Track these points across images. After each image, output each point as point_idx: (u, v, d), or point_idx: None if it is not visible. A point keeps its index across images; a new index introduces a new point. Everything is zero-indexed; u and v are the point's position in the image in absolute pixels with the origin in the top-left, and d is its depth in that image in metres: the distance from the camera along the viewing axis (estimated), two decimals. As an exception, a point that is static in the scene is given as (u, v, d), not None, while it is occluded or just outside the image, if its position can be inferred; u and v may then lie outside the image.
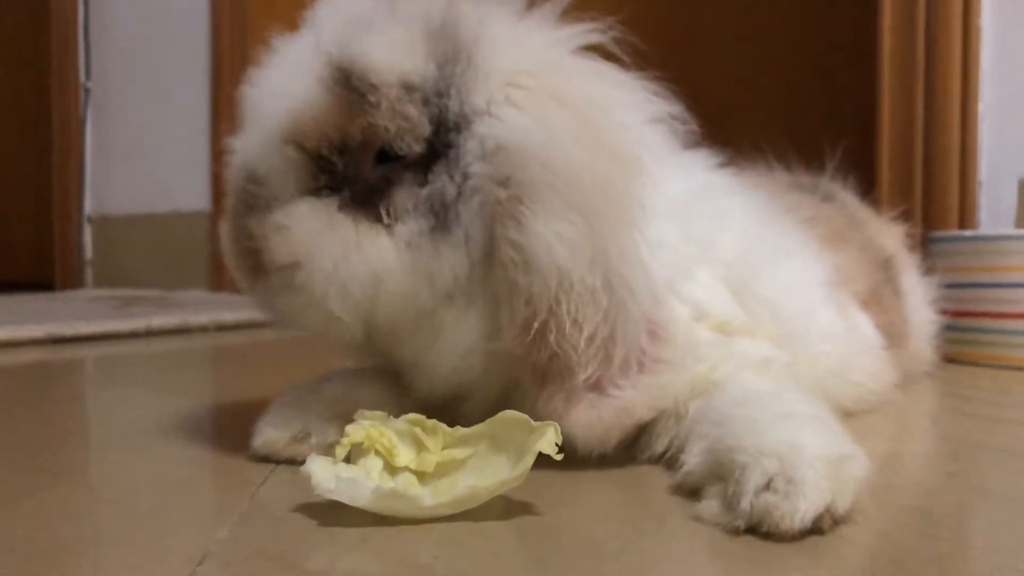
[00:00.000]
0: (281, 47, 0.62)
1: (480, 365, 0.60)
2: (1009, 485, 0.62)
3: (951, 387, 1.07)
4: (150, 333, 1.64)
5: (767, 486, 0.48)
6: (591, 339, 0.55)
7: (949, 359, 1.23)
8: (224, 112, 2.50)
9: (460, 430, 0.55)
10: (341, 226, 0.57)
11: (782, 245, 0.78)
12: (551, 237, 0.54)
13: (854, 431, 0.56)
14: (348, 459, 0.54)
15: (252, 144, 0.59)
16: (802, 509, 0.46)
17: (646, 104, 0.67)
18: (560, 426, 0.52)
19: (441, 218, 0.57)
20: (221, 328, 1.77)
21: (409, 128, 0.57)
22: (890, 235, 1.09)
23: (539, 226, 0.54)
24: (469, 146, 0.57)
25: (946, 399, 1.02)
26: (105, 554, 0.47)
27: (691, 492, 0.54)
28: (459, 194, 0.57)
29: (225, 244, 0.61)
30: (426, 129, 0.57)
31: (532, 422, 0.53)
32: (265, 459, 0.63)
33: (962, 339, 1.24)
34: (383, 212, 0.57)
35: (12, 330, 1.45)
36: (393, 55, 0.57)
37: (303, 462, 0.52)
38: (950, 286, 1.26)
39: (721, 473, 0.52)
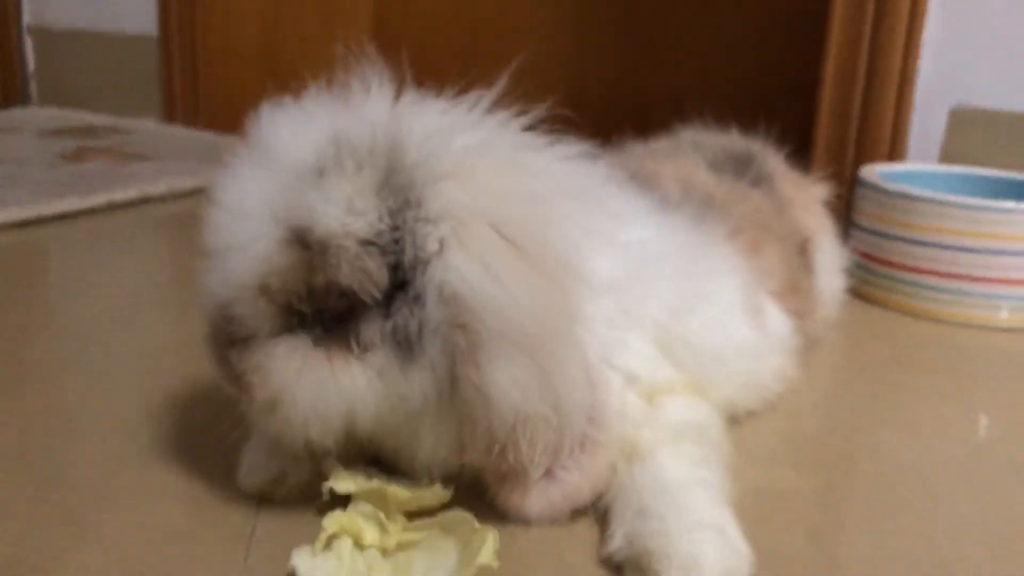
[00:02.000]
0: (239, 174, 0.67)
1: (453, 463, 0.70)
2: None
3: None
4: (111, 207, 1.69)
5: None
6: (544, 450, 0.66)
7: (859, 295, 1.37)
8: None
9: (415, 522, 0.67)
10: (316, 363, 0.64)
11: (706, 286, 0.87)
12: (507, 382, 0.63)
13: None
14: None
15: (224, 289, 0.65)
16: None
17: (573, 179, 0.75)
18: (517, 514, 0.67)
19: (406, 349, 0.65)
20: (179, 196, 1.82)
21: (369, 279, 0.63)
22: (813, 210, 1.18)
23: (495, 373, 0.63)
24: (428, 288, 0.64)
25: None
26: None
27: (615, 569, 0.68)
28: (421, 330, 0.64)
29: (211, 361, 0.69)
30: (385, 278, 0.64)
31: (475, 522, 0.65)
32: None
33: (873, 282, 1.37)
34: (352, 343, 0.65)
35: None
36: (347, 217, 0.63)
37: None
38: (867, 230, 1.38)
39: (640, 569, 0.65)
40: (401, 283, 0.65)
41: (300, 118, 0.68)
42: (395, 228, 0.64)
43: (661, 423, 0.76)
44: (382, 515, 0.67)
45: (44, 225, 1.59)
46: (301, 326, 0.65)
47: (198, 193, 1.85)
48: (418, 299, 0.64)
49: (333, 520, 0.66)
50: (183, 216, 1.73)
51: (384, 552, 0.66)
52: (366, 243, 0.63)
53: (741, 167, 1.11)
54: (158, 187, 1.76)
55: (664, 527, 0.66)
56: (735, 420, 0.92)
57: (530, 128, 0.74)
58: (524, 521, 0.70)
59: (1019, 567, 0.71)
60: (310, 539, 0.66)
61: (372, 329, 0.65)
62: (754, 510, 0.75)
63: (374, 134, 0.66)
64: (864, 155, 1.55)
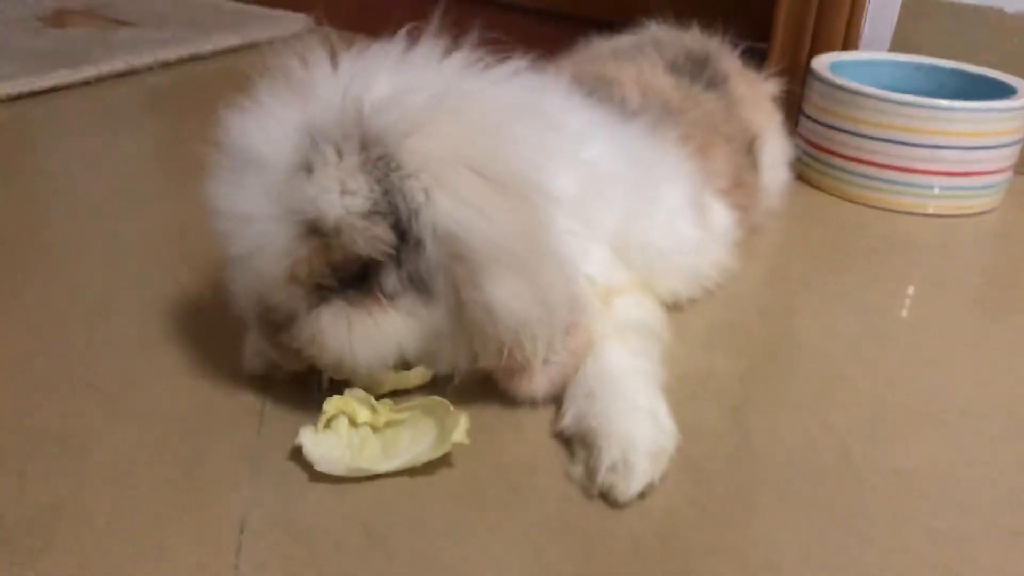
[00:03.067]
0: (229, 183, 0.76)
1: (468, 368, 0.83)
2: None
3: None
4: (99, 79, 1.74)
5: (612, 468, 0.75)
6: (543, 343, 0.79)
7: (804, 180, 1.49)
8: None
9: (400, 405, 0.81)
10: (359, 319, 0.76)
11: (656, 192, 0.99)
12: (504, 296, 0.75)
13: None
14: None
15: (257, 286, 0.76)
16: (633, 488, 0.74)
17: (526, 101, 0.85)
18: (526, 397, 0.83)
19: (423, 288, 0.77)
20: (165, 65, 1.86)
21: (380, 242, 0.74)
22: (762, 107, 1.27)
23: (494, 290, 0.75)
24: (424, 233, 0.74)
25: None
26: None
27: (566, 441, 0.82)
28: (428, 270, 0.76)
29: (265, 350, 0.83)
30: (392, 236, 0.74)
31: (450, 406, 0.79)
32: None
33: (817, 169, 1.48)
34: (379, 295, 0.76)
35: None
36: (345, 199, 0.72)
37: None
38: (814, 120, 1.48)
39: (585, 443, 0.79)
40: (403, 235, 0.75)
41: (267, 119, 0.76)
42: (386, 192, 0.74)
43: (611, 319, 0.89)
44: (372, 399, 0.81)
45: (35, 99, 1.65)
46: (332, 295, 0.77)
47: (183, 64, 1.90)
48: (419, 244, 0.75)
49: (332, 403, 0.79)
50: (171, 88, 1.79)
51: (374, 429, 0.80)
52: (369, 214, 0.73)
53: (697, 68, 1.20)
54: (144, 58, 1.80)
55: (605, 408, 0.80)
56: (678, 308, 1.06)
57: (472, 57, 0.83)
58: (532, 402, 0.85)
59: (894, 434, 0.86)
60: (312, 417, 0.80)
61: (391, 279, 0.76)
62: (684, 390, 0.90)
63: (340, 119, 0.74)
64: (820, 44, 1.62)
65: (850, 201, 1.44)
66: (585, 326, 0.86)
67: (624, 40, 1.30)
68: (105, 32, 1.97)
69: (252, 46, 2.02)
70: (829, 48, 1.60)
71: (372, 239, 0.73)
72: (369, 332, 0.77)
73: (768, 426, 0.87)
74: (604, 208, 0.91)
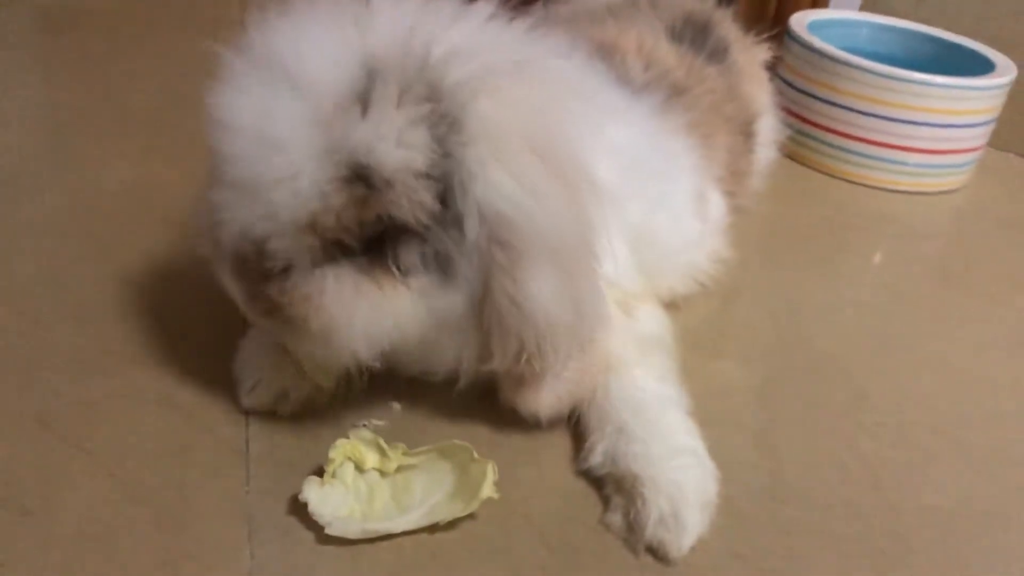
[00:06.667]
0: (254, 95, 0.62)
1: (469, 371, 0.72)
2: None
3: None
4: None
5: (661, 522, 0.68)
6: (564, 355, 0.70)
7: (788, 156, 1.42)
8: None
9: (414, 449, 0.72)
10: (368, 290, 0.64)
11: (669, 185, 0.90)
12: (540, 293, 0.65)
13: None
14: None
15: (260, 224, 0.62)
16: (685, 544, 0.68)
17: (573, 78, 0.77)
18: (530, 412, 0.73)
19: (445, 269, 0.66)
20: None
21: (422, 209, 0.62)
22: (760, 80, 1.19)
23: (532, 285, 0.65)
24: (468, 210, 0.63)
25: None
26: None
27: (594, 481, 0.74)
28: (460, 250, 0.65)
29: (236, 297, 0.68)
30: (434, 204, 0.63)
31: (474, 452, 0.70)
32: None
33: (799, 142, 1.42)
34: (393, 267, 0.65)
35: None
36: (404, 151, 0.60)
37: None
38: (794, 87, 1.41)
39: (622, 489, 0.71)
40: (443, 206, 0.64)
41: (316, 34, 0.63)
42: (445, 155, 0.62)
43: (633, 334, 0.81)
44: (381, 441, 0.71)
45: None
46: (343, 255, 0.64)
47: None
48: (458, 221, 0.64)
49: (339, 449, 0.69)
50: (78, 10, 1.56)
51: (383, 474, 0.70)
52: (421, 175, 0.62)
53: (699, 36, 1.11)
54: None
55: (645, 451, 0.73)
56: (675, 306, 0.98)
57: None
58: (536, 418, 0.75)
59: (922, 461, 0.82)
60: (303, 455, 0.71)
61: (411, 253, 0.65)
62: (704, 412, 0.82)
63: (403, 60, 0.62)
64: (789, 2, 1.55)
65: (826, 174, 1.39)
66: (602, 343, 0.76)
67: (616, -3, 1.19)
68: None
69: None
70: (799, 4, 1.53)
71: (417, 204, 0.62)
72: (375, 306, 0.65)
73: (798, 455, 0.82)
74: (631, 198, 0.82)
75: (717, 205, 1.03)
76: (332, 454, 0.69)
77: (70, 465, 0.70)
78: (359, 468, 0.70)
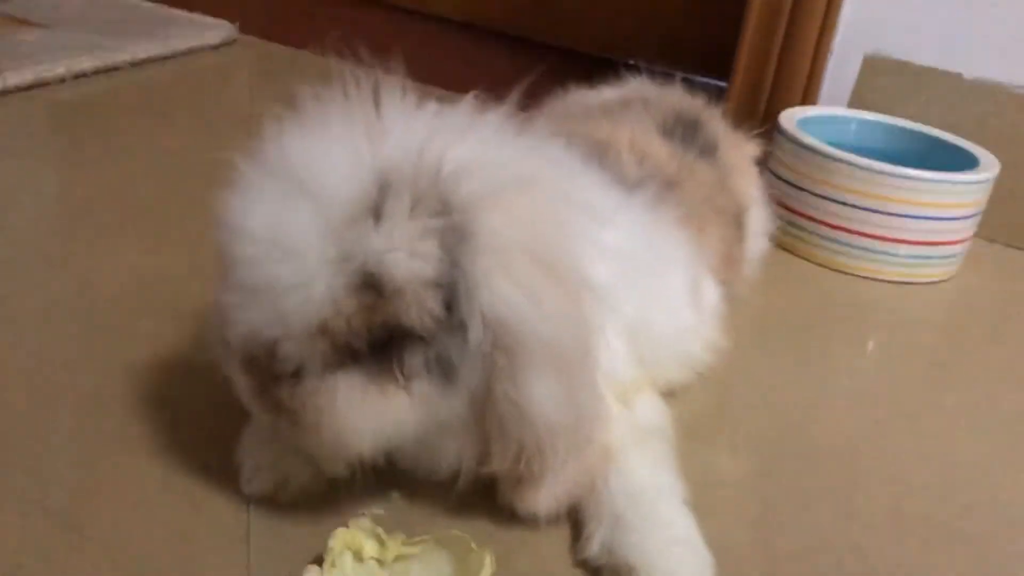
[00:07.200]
0: (267, 202, 0.64)
1: (468, 472, 0.74)
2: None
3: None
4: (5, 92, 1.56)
5: None
6: (563, 456, 0.71)
7: (780, 247, 1.45)
8: None
9: (413, 539, 0.72)
10: (373, 398, 0.66)
11: (664, 278, 0.93)
12: (541, 397, 0.67)
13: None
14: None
15: (273, 328, 0.64)
16: None
17: (569, 183, 0.80)
18: (528, 512, 0.74)
19: (447, 374, 0.67)
20: (79, 76, 1.69)
21: (429, 316, 0.65)
22: (749, 174, 1.23)
23: (534, 389, 0.67)
24: (472, 317, 0.65)
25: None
26: None
27: (593, 571, 0.75)
28: (462, 355, 0.67)
29: (242, 391, 0.70)
30: (441, 311, 0.65)
31: (471, 542, 0.71)
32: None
33: (791, 234, 1.45)
34: (397, 372, 0.66)
35: None
36: (416, 261, 0.63)
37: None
38: (784, 180, 1.45)
39: None
40: (447, 313, 0.66)
41: (332, 146, 0.66)
42: (452, 265, 0.65)
43: (632, 424, 0.82)
44: (380, 530, 0.71)
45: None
46: (351, 361, 0.66)
47: (100, 74, 1.73)
48: (462, 326, 0.66)
49: (338, 538, 0.70)
50: (87, 105, 1.62)
51: (382, 563, 0.71)
52: (431, 284, 0.64)
53: (690, 133, 1.15)
54: (57, 69, 1.62)
55: (641, 541, 0.73)
56: (671, 394, 0.99)
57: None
58: (534, 518, 0.76)
59: (921, 554, 0.83)
60: (303, 542, 0.72)
61: (415, 358, 0.67)
62: (700, 501, 0.83)
63: (416, 172, 0.65)
64: (780, 92, 1.61)
65: (816, 264, 1.42)
66: (600, 443, 0.78)
67: (608, 94, 1.24)
68: (10, 32, 1.77)
69: (173, 57, 1.86)
70: (788, 96, 1.59)
71: (425, 311, 0.64)
72: (379, 412, 0.67)
73: (793, 546, 0.82)
74: (625, 295, 0.84)
75: (711, 293, 1.06)
76: (331, 543, 0.69)
77: (72, 553, 0.70)
78: (358, 557, 0.70)
